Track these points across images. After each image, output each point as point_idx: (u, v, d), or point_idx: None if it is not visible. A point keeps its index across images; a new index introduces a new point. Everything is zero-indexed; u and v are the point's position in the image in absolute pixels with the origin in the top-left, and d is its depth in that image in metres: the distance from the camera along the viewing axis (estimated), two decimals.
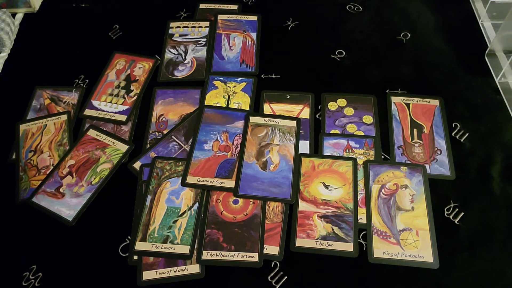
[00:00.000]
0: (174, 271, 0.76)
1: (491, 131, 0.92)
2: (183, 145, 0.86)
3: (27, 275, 0.77)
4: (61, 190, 0.85)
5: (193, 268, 0.77)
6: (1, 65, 1.06)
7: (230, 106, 0.97)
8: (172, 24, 1.12)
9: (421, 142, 0.90)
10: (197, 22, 1.12)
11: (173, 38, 1.09)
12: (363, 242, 0.79)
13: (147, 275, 0.76)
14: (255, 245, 0.78)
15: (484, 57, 1.04)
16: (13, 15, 1.15)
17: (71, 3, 1.19)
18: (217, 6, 1.16)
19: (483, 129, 0.93)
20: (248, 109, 0.96)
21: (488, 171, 0.87)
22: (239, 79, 1.01)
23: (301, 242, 0.79)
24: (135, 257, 0.78)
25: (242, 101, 0.97)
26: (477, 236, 0.79)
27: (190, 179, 0.85)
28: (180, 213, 0.82)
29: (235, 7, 1.16)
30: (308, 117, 0.95)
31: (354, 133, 0.92)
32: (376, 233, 0.79)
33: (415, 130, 0.92)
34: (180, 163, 0.87)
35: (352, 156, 0.88)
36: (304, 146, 0.90)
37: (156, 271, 0.76)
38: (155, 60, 1.05)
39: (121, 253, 0.79)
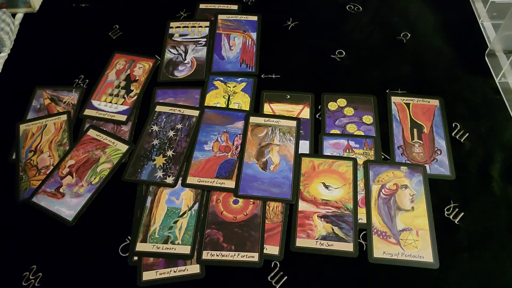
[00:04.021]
0: (174, 271, 0.76)
1: (491, 131, 0.92)
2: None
3: (27, 275, 0.77)
4: (61, 190, 0.85)
5: (193, 268, 0.77)
6: (1, 65, 1.06)
7: (230, 106, 0.97)
8: (172, 24, 1.12)
9: (421, 142, 0.91)
10: (197, 22, 1.12)
11: (173, 38, 1.09)
12: (363, 242, 0.79)
13: (147, 275, 0.76)
14: (255, 245, 0.78)
15: (484, 57, 1.04)
16: (13, 15, 1.15)
17: (71, 3, 1.19)
18: (217, 6, 1.16)
19: (483, 129, 0.93)
20: (248, 109, 0.96)
21: (488, 171, 0.87)
22: (239, 79, 1.01)
23: (301, 242, 0.79)
24: (135, 258, 0.78)
25: (242, 101, 0.97)
26: (477, 236, 0.79)
27: (190, 180, 0.85)
28: (181, 214, 0.82)
29: (235, 7, 1.16)
30: (308, 117, 0.95)
31: (354, 133, 0.92)
32: (376, 233, 0.79)
33: (415, 130, 0.92)
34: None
35: (352, 156, 0.88)
36: (304, 146, 0.90)
37: (156, 272, 0.76)
38: (155, 60, 1.05)
39: (121, 253, 0.79)
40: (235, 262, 0.77)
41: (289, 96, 0.98)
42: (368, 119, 0.94)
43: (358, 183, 0.85)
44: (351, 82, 1.01)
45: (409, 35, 1.09)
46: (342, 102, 0.97)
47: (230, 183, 0.85)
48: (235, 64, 1.04)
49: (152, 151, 0.89)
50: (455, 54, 1.05)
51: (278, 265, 0.77)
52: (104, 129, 0.94)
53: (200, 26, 1.11)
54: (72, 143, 0.92)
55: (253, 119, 0.93)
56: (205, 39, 1.09)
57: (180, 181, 0.85)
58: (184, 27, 1.12)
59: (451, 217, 0.82)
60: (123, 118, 0.95)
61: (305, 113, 0.95)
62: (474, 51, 1.05)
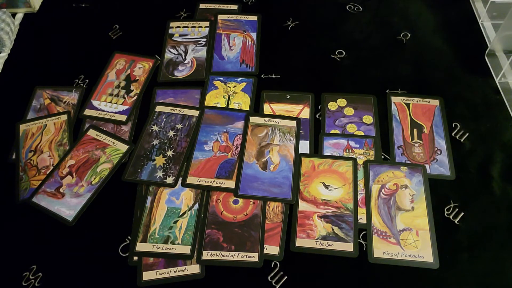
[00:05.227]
0: (174, 271, 0.76)
1: (491, 131, 0.92)
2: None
3: (27, 275, 0.77)
4: (61, 190, 0.85)
5: (193, 268, 0.77)
6: (1, 65, 1.06)
7: (230, 106, 0.97)
8: (172, 24, 1.12)
9: (421, 142, 0.91)
10: (197, 22, 1.12)
11: (173, 38, 1.09)
12: (363, 242, 0.79)
13: (147, 275, 0.76)
14: (255, 245, 0.78)
15: (484, 57, 1.04)
16: (13, 15, 1.15)
17: (71, 3, 1.19)
18: (217, 6, 1.16)
19: (483, 129, 0.93)
20: (248, 109, 0.96)
21: (488, 171, 0.87)
22: (239, 79, 1.01)
23: (301, 242, 0.79)
24: (135, 258, 0.78)
25: (242, 101, 0.98)
26: (477, 236, 0.79)
27: (190, 180, 0.85)
28: (181, 214, 0.82)
29: (235, 7, 1.16)
30: (308, 117, 0.95)
31: (354, 133, 0.92)
32: (376, 233, 0.79)
33: (415, 130, 0.92)
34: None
35: (352, 156, 0.88)
36: (304, 146, 0.90)
37: (156, 272, 0.76)
38: (155, 60, 1.05)
39: (121, 253, 0.79)
40: (235, 262, 0.77)
41: (289, 96, 0.98)
42: (368, 119, 0.94)
43: (358, 183, 0.85)
44: (351, 82, 1.01)
45: (409, 35, 1.09)
46: (342, 102, 0.97)
47: (230, 183, 0.85)
48: (235, 64, 1.04)
49: (152, 151, 0.90)
50: (455, 54, 1.05)
51: (278, 265, 0.77)
52: (104, 129, 0.94)
53: (200, 26, 1.11)
54: (72, 143, 0.92)
55: (253, 119, 0.93)
56: (205, 39, 1.09)
57: (180, 181, 0.85)
58: (184, 27, 1.12)
59: (451, 217, 0.82)
60: (123, 118, 0.95)
61: (305, 113, 0.95)
62: (474, 51, 1.05)
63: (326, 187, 0.84)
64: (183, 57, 1.06)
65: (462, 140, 0.91)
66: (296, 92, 0.99)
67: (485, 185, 0.85)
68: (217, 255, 0.77)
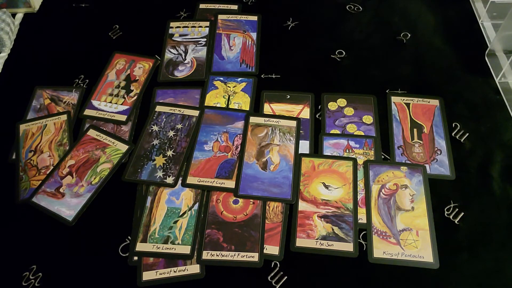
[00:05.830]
0: (174, 271, 0.76)
1: (491, 131, 0.92)
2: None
3: (27, 275, 0.77)
4: (61, 190, 0.85)
5: (193, 268, 0.77)
6: (1, 65, 1.06)
7: (230, 106, 0.97)
8: (172, 24, 1.12)
9: (421, 142, 0.91)
10: (197, 22, 1.12)
11: (173, 38, 1.09)
12: (363, 242, 0.79)
13: (147, 275, 0.76)
14: (255, 245, 0.78)
15: (484, 57, 1.04)
16: (13, 15, 1.15)
17: (71, 3, 1.19)
18: (217, 6, 1.16)
19: (483, 129, 0.93)
20: (248, 109, 0.96)
21: (488, 171, 0.87)
22: (239, 79, 1.01)
23: (301, 242, 0.79)
24: (135, 258, 0.78)
25: (242, 101, 0.98)
26: (477, 236, 0.79)
27: (190, 180, 0.85)
28: (181, 214, 0.82)
29: (235, 7, 1.16)
30: (308, 117, 0.95)
31: (354, 133, 0.92)
32: (376, 233, 0.79)
33: (415, 130, 0.92)
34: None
35: (352, 156, 0.88)
36: (304, 146, 0.90)
37: (156, 272, 0.76)
38: (155, 60, 1.05)
39: (121, 253, 0.79)
40: (235, 262, 0.77)
41: (289, 96, 0.98)
42: (368, 119, 0.94)
43: (358, 183, 0.85)
44: (351, 82, 1.01)
45: (409, 35, 1.09)
46: (342, 102, 0.97)
47: (230, 183, 0.85)
48: (235, 64, 1.04)
49: (152, 151, 0.90)
50: (455, 54, 1.05)
51: (278, 265, 0.77)
52: (104, 129, 0.94)
53: (200, 26, 1.11)
54: (72, 143, 0.92)
55: (253, 119, 0.93)
56: (205, 39, 1.09)
57: (180, 181, 0.85)
58: (184, 27, 1.12)
59: (451, 217, 0.82)
60: (123, 118, 0.95)
61: (305, 113, 0.95)
62: (474, 51, 1.05)
63: (326, 187, 0.84)
64: (183, 57, 1.06)
65: (462, 140, 0.91)
66: (296, 92, 0.99)
67: (485, 185, 0.85)
68: (217, 255, 0.77)
